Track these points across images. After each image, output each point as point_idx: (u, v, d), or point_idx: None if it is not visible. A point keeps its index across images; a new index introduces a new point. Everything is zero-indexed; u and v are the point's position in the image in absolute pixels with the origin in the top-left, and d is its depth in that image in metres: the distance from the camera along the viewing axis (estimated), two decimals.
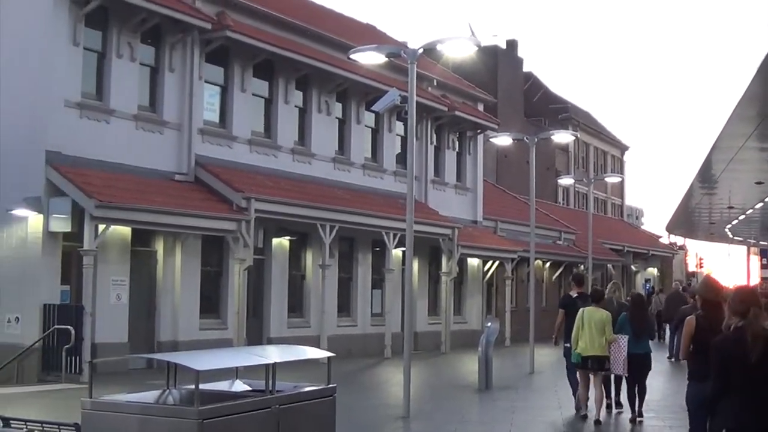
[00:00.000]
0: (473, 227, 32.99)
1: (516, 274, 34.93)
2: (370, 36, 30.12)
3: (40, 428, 7.50)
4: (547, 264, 38.79)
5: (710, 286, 8.83)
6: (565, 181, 46.73)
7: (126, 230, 20.48)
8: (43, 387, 17.67)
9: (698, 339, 8.19)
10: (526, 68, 58.71)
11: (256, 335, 23.46)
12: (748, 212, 35.94)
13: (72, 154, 19.60)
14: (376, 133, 29.28)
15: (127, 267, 20.76)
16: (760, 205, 32.67)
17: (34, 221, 19.30)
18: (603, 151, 68.67)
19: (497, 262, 33.70)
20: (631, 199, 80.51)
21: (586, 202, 51.00)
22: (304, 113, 26.34)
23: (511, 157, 48.50)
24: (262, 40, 23.85)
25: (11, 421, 7.58)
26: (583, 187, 55.68)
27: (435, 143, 31.84)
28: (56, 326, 18.73)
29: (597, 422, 13.65)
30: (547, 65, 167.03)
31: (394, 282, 27.25)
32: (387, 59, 17.10)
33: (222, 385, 8.44)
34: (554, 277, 39.62)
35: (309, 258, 26.06)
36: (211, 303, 22.93)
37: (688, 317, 8.77)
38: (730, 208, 34.94)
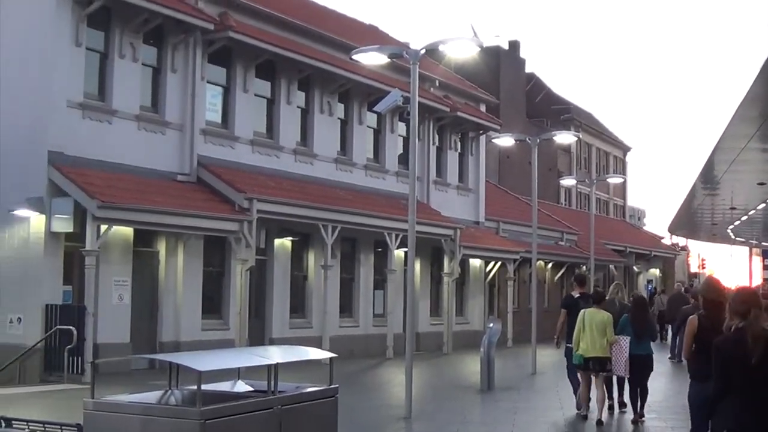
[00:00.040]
0: (475, 228, 32.98)
1: (518, 274, 34.92)
2: (373, 36, 30.11)
3: (42, 428, 7.50)
4: (549, 265, 38.77)
5: (712, 286, 8.88)
6: (567, 181, 46.70)
7: (128, 231, 20.49)
8: (45, 387, 17.67)
9: (701, 338, 8.21)
10: (528, 69, 58.76)
11: (258, 336, 23.47)
12: (750, 213, 35.95)
13: (74, 154, 19.61)
14: (378, 133, 29.29)
15: (129, 267, 20.77)
16: (762, 205, 32.67)
17: (36, 222, 19.31)
18: (605, 151, 68.66)
19: (499, 263, 33.68)
20: (633, 200, 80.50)
21: (588, 203, 51.01)
22: (306, 114, 26.35)
23: (513, 158, 48.52)
24: (264, 40, 23.85)
25: (13, 422, 7.59)
26: (585, 187, 55.71)
27: (437, 144, 31.84)
28: (58, 326, 18.74)
29: (599, 422, 13.65)
30: (550, 66, 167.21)
31: (396, 283, 27.24)
32: (389, 60, 17.10)
33: (224, 386, 8.44)
34: (556, 278, 39.60)
35: (311, 258, 26.06)
36: (213, 303, 22.93)
37: (691, 317, 8.80)
38: (733, 209, 34.95)
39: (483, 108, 35.36)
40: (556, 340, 15.96)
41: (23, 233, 19.55)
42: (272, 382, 7.82)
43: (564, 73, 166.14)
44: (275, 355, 8.54)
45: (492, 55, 48.14)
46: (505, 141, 27.02)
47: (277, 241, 24.64)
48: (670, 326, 29.19)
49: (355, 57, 16.34)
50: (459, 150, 33.30)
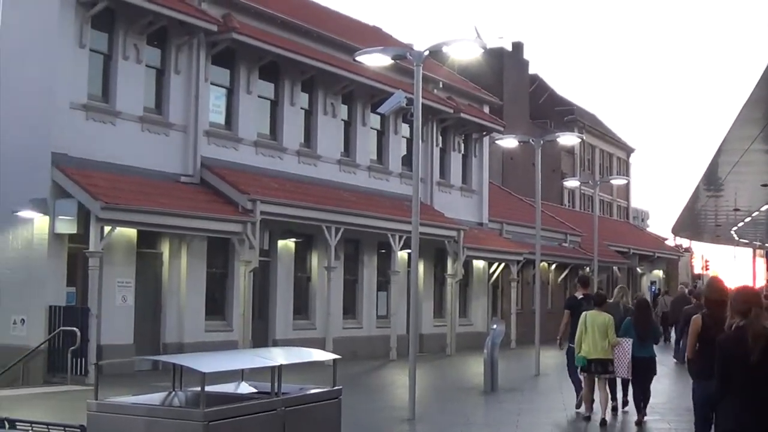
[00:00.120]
0: (479, 229, 32.97)
1: (521, 276, 34.90)
2: (376, 38, 30.11)
3: (46, 430, 7.49)
4: (553, 266, 38.74)
5: (715, 286, 8.95)
6: (571, 183, 46.67)
7: (132, 232, 20.50)
8: (49, 389, 17.67)
9: (704, 338, 8.24)
10: (531, 70, 58.77)
11: (262, 337, 23.47)
12: (753, 215, 35.87)
13: (78, 155, 19.63)
14: (381, 135, 29.29)
15: (133, 269, 20.77)
16: (765, 207, 32.60)
17: (39, 223, 19.32)
18: (609, 153, 68.64)
19: (503, 264, 33.66)
20: (636, 202, 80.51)
21: (591, 205, 50.98)
22: (309, 115, 26.36)
23: (516, 160, 48.50)
24: (267, 42, 23.86)
25: (17, 423, 7.59)
26: (589, 189, 55.69)
27: (441, 145, 31.84)
28: (62, 328, 18.73)
29: (603, 422, 13.64)
30: (553, 67, 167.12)
31: (400, 284, 27.24)
32: (393, 61, 17.13)
33: (228, 387, 8.45)
34: (560, 280, 39.56)
35: (314, 260, 26.07)
36: (216, 305, 22.94)
37: (695, 316, 8.85)
38: (736, 210, 34.87)
39: (486, 109, 35.35)
40: (558, 341, 15.98)
41: (27, 234, 19.57)
42: (276, 384, 7.82)
43: (567, 75, 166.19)
44: (279, 356, 8.54)
45: (495, 56, 48.11)
46: (509, 142, 27.01)
47: (281, 243, 24.65)
48: (672, 328, 29.20)
49: (358, 58, 16.35)
50: (462, 151, 33.28)
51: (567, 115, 60.55)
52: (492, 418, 15.51)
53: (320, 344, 22.44)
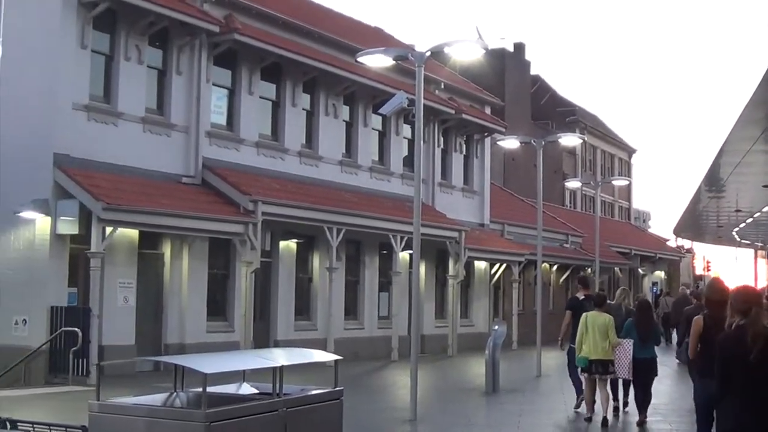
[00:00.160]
0: (480, 230, 32.98)
1: (523, 277, 34.90)
2: (378, 39, 30.11)
3: (48, 430, 7.51)
4: (554, 267, 38.74)
5: (716, 287, 8.99)
6: (573, 184, 46.65)
7: (133, 233, 20.52)
8: (50, 389, 17.68)
9: (705, 338, 8.26)
10: (533, 71, 58.67)
11: (263, 338, 23.47)
12: (755, 215, 35.87)
13: (80, 156, 19.65)
14: (383, 136, 29.29)
15: (134, 269, 20.79)
16: (767, 208, 32.60)
17: (41, 223, 19.34)
18: (610, 154, 68.60)
19: (504, 265, 33.67)
20: (638, 202, 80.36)
21: (593, 205, 50.96)
22: (311, 116, 26.37)
23: (518, 160, 48.48)
24: (269, 42, 23.87)
25: (19, 423, 7.60)
26: (591, 190, 55.64)
27: (442, 146, 31.85)
28: (63, 328, 18.75)
29: (604, 422, 13.63)
30: (555, 68, 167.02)
31: (401, 285, 27.24)
32: (394, 62, 17.12)
33: (229, 388, 8.45)
34: (561, 280, 39.58)
35: (316, 261, 26.07)
36: (218, 306, 22.95)
37: (696, 317, 8.87)
38: (738, 211, 34.88)
39: (488, 110, 35.36)
40: (560, 342, 15.98)
41: (29, 235, 19.58)
42: (277, 385, 7.83)
43: (569, 76, 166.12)
44: (280, 357, 8.55)
45: (497, 57, 48.07)
46: (510, 143, 27.00)
47: (282, 244, 24.66)
48: (674, 329, 29.15)
49: (360, 59, 16.36)
50: (464, 152, 33.30)
51: (569, 115, 60.52)
52: (493, 419, 15.52)
53: (322, 345, 22.46)
